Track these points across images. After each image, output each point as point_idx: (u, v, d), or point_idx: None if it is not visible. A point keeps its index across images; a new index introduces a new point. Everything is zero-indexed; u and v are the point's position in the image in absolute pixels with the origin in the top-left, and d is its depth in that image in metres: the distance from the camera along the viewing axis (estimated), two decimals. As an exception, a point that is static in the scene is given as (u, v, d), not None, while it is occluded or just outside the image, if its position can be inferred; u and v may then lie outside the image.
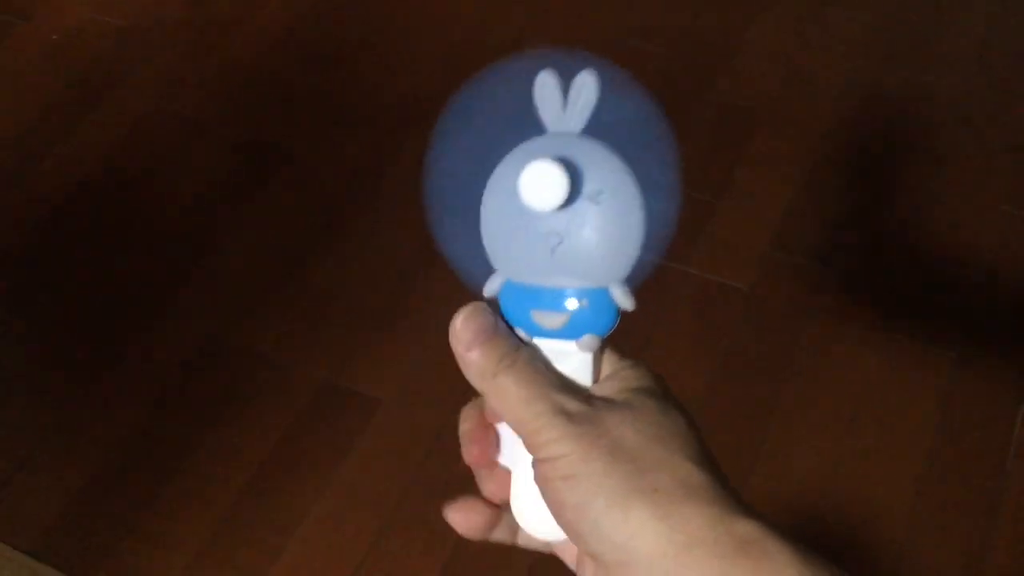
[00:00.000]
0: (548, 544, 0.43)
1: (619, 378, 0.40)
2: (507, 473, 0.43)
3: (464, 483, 0.44)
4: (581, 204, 0.39)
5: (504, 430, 0.43)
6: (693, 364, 1.37)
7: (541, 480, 0.38)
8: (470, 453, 0.43)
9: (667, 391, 0.40)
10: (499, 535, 0.44)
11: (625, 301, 0.39)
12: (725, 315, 1.42)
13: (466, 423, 0.43)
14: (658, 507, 0.35)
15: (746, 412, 1.32)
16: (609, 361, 0.41)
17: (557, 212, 0.39)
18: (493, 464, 0.43)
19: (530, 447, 0.38)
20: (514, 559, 1.14)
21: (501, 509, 0.43)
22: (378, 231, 1.53)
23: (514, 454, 0.42)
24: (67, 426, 1.34)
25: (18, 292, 1.49)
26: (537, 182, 0.38)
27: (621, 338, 0.41)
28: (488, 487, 0.43)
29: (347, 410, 1.33)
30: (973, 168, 1.60)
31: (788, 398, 1.33)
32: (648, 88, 0.40)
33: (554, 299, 0.40)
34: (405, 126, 1.67)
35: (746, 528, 0.35)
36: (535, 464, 0.38)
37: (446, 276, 0.40)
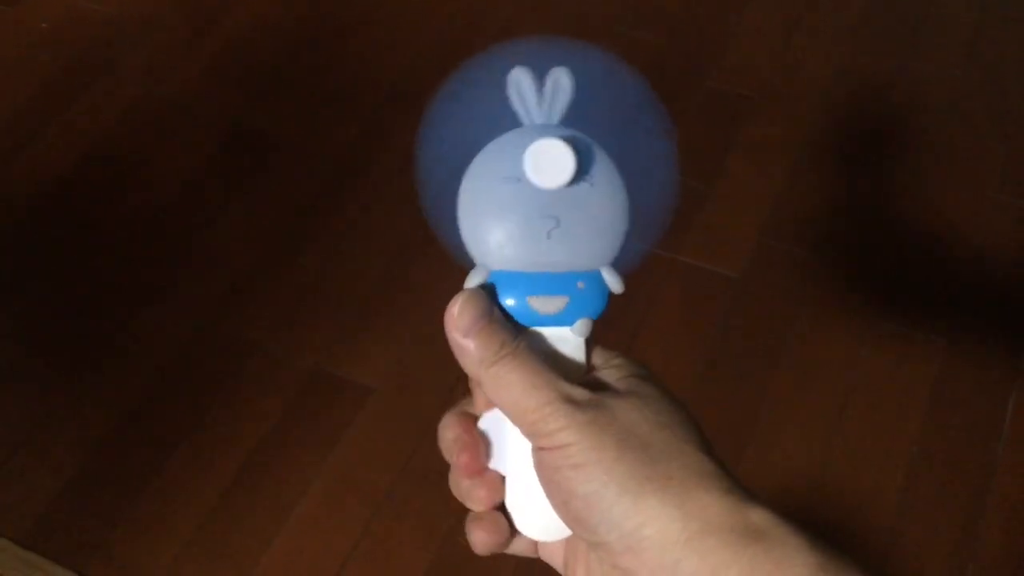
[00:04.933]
0: (535, 547, 0.42)
1: (615, 368, 0.40)
2: (497, 476, 0.42)
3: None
4: (578, 185, 0.39)
5: (491, 428, 0.42)
6: (683, 352, 1.37)
7: (548, 470, 0.37)
8: (460, 461, 0.41)
9: (661, 382, 0.40)
10: (518, 548, 0.43)
11: (616, 284, 0.40)
12: (716, 303, 1.42)
13: (450, 430, 0.42)
14: (673, 495, 0.35)
15: (736, 400, 1.32)
16: (597, 353, 0.41)
17: (554, 194, 0.38)
18: (484, 469, 0.42)
19: (533, 435, 0.37)
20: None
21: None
22: (369, 216, 1.53)
23: (504, 452, 0.41)
24: (57, 415, 1.33)
25: (5, 280, 1.48)
26: (546, 159, 0.37)
27: (611, 326, 0.41)
28: (479, 493, 0.42)
29: (338, 398, 1.33)
30: (964, 156, 1.60)
31: (778, 386, 1.34)
32: (639, 73, 0.40)
33: (553, 284, 0.39)
34: (396, 110, 1.67)
35: (760, 516, 0.35)
36: (538, 453, 0.38)
37: (438, 263, 0.40)
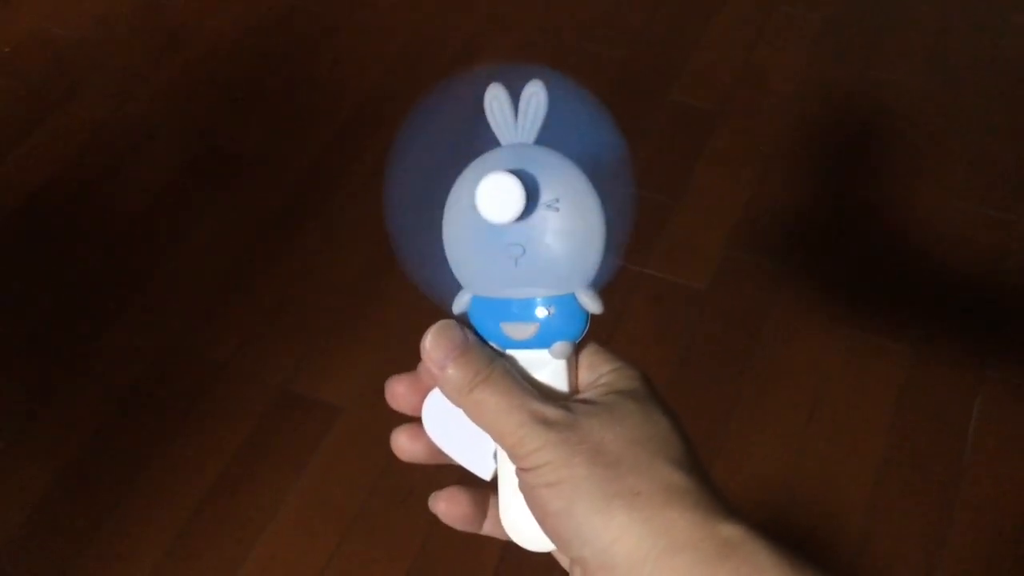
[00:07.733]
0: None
1: (603, 382, 0.40)
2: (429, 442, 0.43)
3: (426, 490, 0.44)
4: (539, 213, 0.39)
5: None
6: (651, 364, 1.37)
7: (525, 489, 0.38)
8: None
9: (652, 393, 0.40)
10: (490, 530, 0.44)
11: (592, 305, 0.40)
12: (684, 315, 1.43)
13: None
14: (640, 511, 0.35)
15: (706, 409, 1.33)
16: (597, 364, 0.41)
17: (516, 223, 0.39)
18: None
19: (513, 458, 0.38)
20: (477, 566, 1.14)
21: (487, 502, 0.43)
22: (336, 235, 1.53)
23: (501, 468, 0.42)
24: (24, 437, 1.32)
25: (-30, 305, 1.47)
26: (493, 195, 0.38)
27: (581, 340, 0.41)
28: (410, 436, 0.43)
29: (307, 418, 1.32)
30: (927, 164, 1.62)
31: (747, 394, 1.34)
32: (603, 90, 0.41)
33: (522, 310, 0.40)
34: (363, 127, 1.66)
35: (729, 531, 0.35)
36: (519, 474, 0.38)
37: (406, 282, 0.40)
